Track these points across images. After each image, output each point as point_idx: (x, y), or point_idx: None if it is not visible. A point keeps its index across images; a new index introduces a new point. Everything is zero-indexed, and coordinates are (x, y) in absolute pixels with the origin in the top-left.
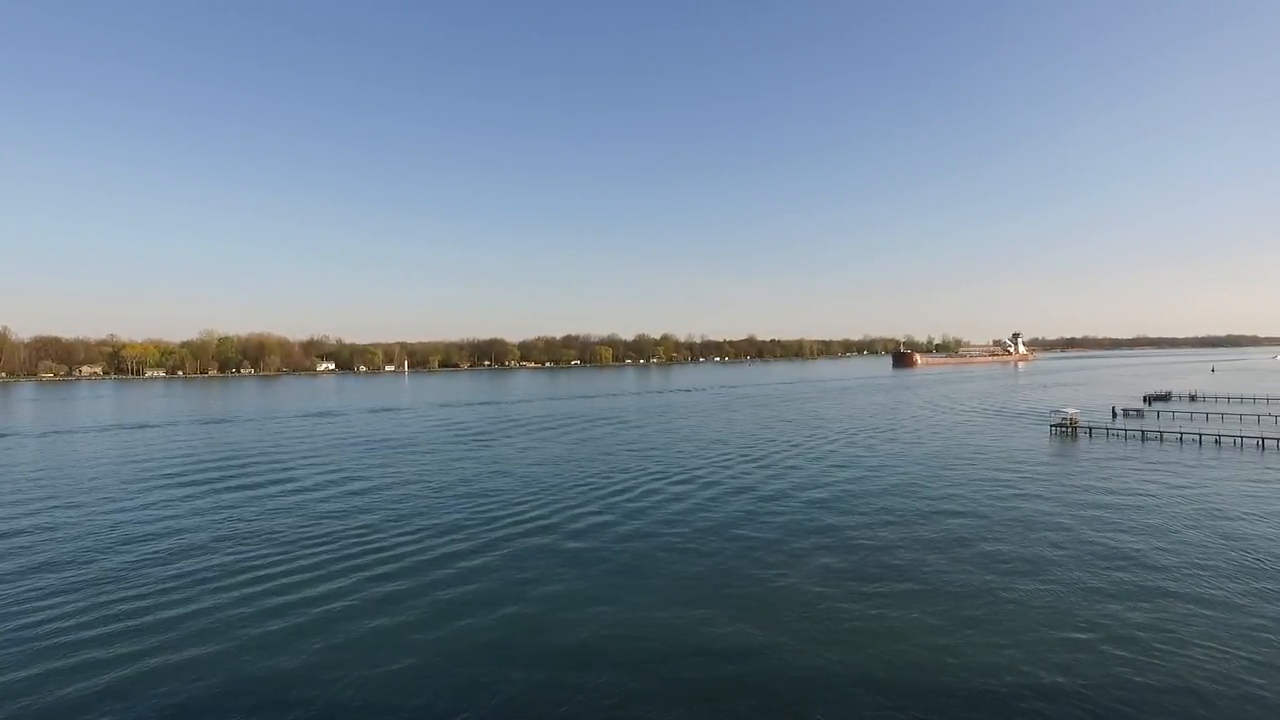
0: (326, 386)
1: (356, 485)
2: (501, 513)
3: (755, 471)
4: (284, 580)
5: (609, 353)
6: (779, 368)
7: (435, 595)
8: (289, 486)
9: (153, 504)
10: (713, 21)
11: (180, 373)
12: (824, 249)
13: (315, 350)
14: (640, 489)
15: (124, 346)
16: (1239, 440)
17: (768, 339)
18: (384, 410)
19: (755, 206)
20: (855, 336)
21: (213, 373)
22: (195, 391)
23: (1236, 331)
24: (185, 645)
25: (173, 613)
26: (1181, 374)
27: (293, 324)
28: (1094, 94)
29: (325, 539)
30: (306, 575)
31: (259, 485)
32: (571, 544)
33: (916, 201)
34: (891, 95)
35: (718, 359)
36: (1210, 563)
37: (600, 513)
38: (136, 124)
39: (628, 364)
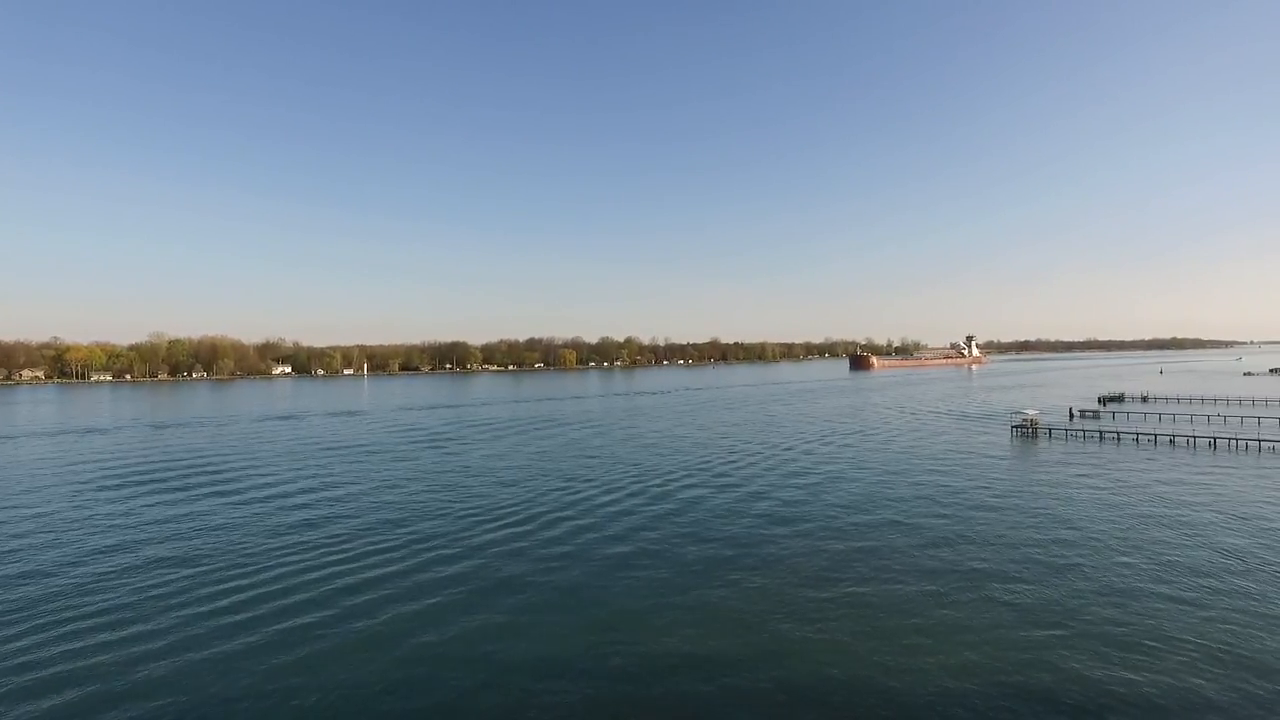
0: (283, 390)
1: (314, 491)
2: (465, 519)
3: (723, 476)
4: (240, 592)
5: (573, 356)
6: (742, 370)
7: (398, 606)
8: (245, 493)
9: (101, 513)
10: (681, 24)
11: (128, 376)
12: (787, 252)
13: (271, 353)
14: (608, 496)
15: (68, 349)
16: (1191, 440)
17: (731, 342)
18: (343, 414)
19: (719, 210)
20: (817, 339)
21: (163, 376)
22: (145, 395)
23: (1181, 335)
24: (138, 665)
25: (126, 631)
26: (1132, 376)
27: (247, 326)
28: (1044, 103)
29: (283, 548)
30: (264, 587)
31: (214, 492)
32: (537, 554)
33: (878, 206)
34: (851, 103)
35: (682, 362)
36: (1174, 559)
37: (569, 521)
38: (79, 121)
39: (591, 367)
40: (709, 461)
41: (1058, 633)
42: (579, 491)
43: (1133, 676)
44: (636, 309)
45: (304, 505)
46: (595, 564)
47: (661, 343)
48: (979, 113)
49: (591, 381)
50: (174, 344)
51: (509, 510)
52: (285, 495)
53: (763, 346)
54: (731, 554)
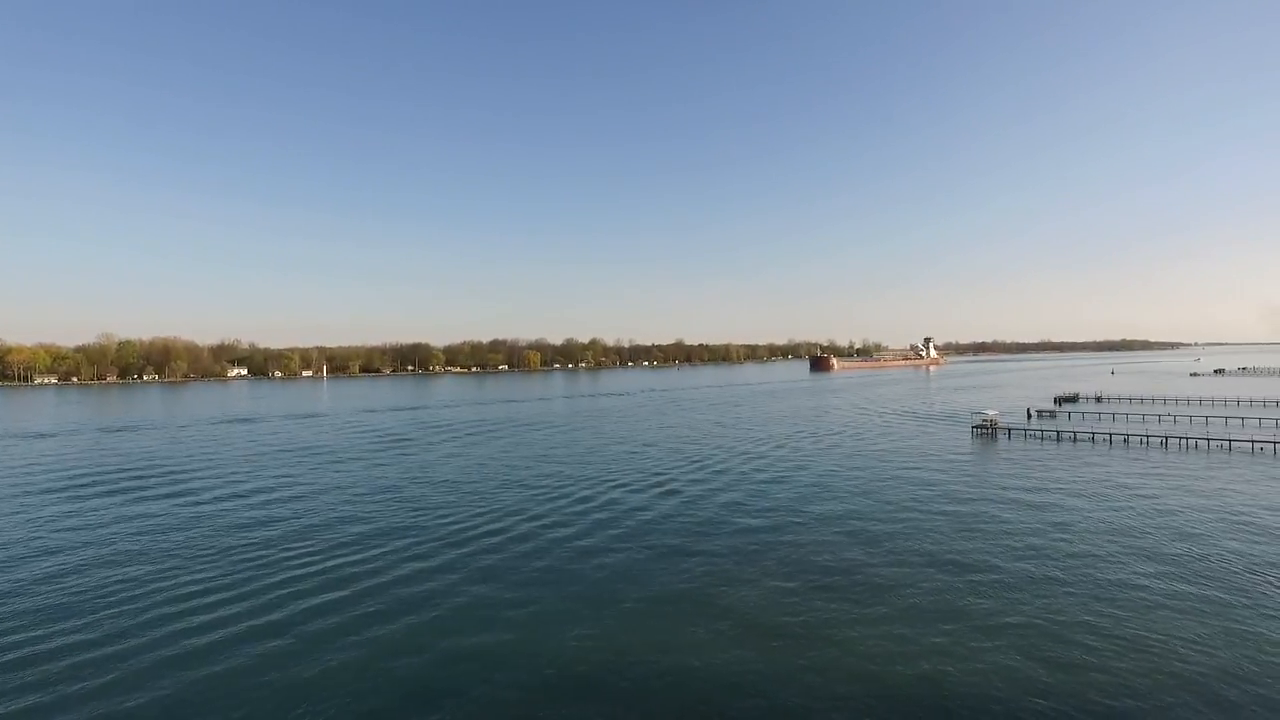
0: (239, 393)
1: (273, 496)
2: (433, 526)
3: (691, 478)
4: (198, 599)
5: (537, 357)
6: (707, 371)
7: (361, 610)
8: (202, 498)
9: (48, 515)
10: (645, 28)
11: (74, 379)
12: (753, 254)
13: (226, 355)
14: (573, 498)
15: (9, 351)
16: (1145, 439)
17: (696, 343)
18: (302, 417)
19: (685, 212)
20: (781, 340)
21: (111, 379)
22: (93, 398)
23: (1129, 336)
24: (85, 676)
25: (73, 646)
26: (1085, 377)
27: (201, 328)
28: (997, 109)
29: (240, 553)
30: (222, 593)
31: (168, 497)
32: (501, 556)
33: (843, 209)
34: (814, 110)
35: (646, 363)
36: (1130, 553)
37: (540, 527)
38: (25, 119)
39: (556, 368)
40: (677, 464)
41: (1022, 620)
42: (547, 496)
43: (1091, 660)
44: (601, 311)
45: (263, 512)
46: (567, 569)
47: (626, 344)
48: (936, 118)
49: (556, 383)
50: (124, 345)
51: (478, 515)
52: (243, 500)
53: (727, 348)
54: (700, 557)
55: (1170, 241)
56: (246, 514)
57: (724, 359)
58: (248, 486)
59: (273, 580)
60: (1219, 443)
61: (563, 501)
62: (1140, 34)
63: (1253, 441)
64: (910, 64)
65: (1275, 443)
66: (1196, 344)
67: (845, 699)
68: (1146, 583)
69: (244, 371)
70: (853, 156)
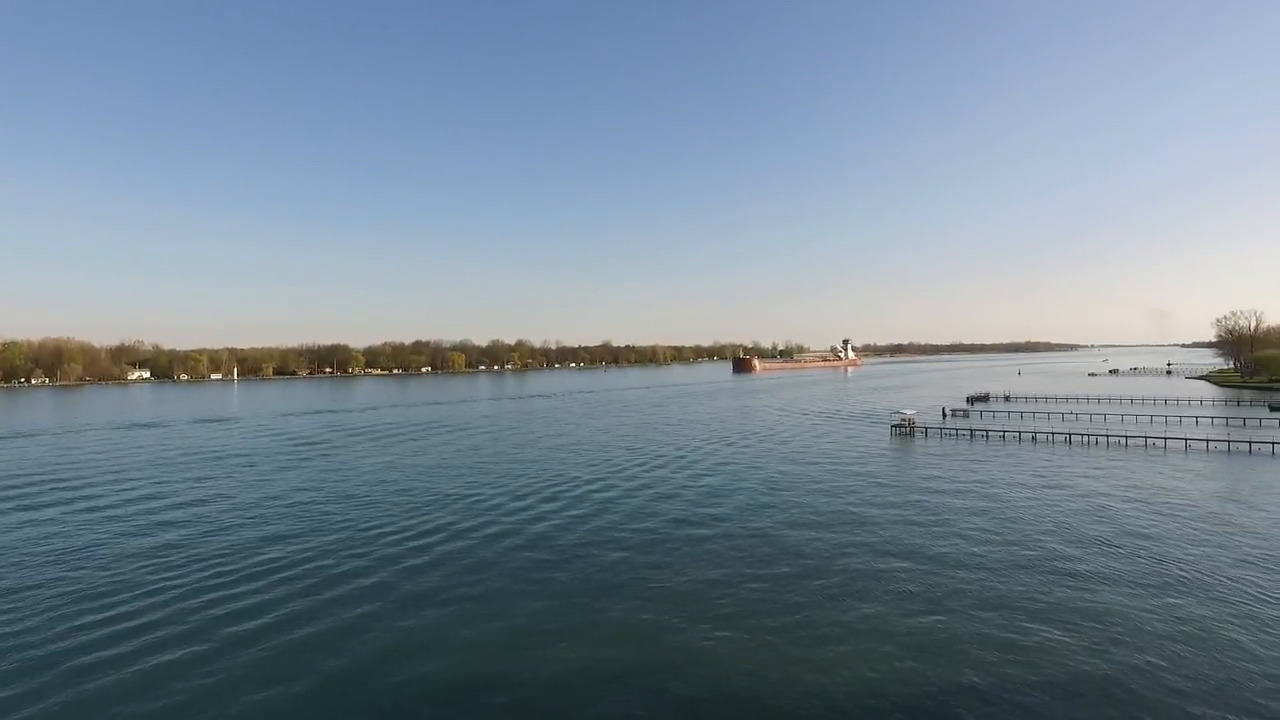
0: (140, 397)
1: (172, 505)
2: (351, 532)
3: (619, 479)
4: (96, 630)
5: (462, 359)
6: (634, 373)
7: (289, 637)
8: (93, 507)
9: None
10: (570, 24)
11: None
12: (680, 256)
13: (126, 357)
14: (499, 503)
15: None
16: (1050, 436)
17: (623, 345)
18: (209, 421)
19: (610, 213)
20: (706, 342)
21: None
22: None
23: (1033, 338)
24: None
25: None
26: (994, 377)
27: (99, 328)
28: (911, 118)
29: (145, 573)
30: (125, 622)
31: (53, 505)
32: (439, 572)
33: (765, 213)
34: (735, 113)
35: (574, 365)
36: (1040, 543)
37: (469, 531)
38: None
39: (481, 370)
40: (605, 467)
41: (941, 602)
42: (477, 498)
43: (1015, 636)
44: (528, 312)
45: (173, 523)
46: (497, 575)
47: (553, 346)
48: (853, 126)
49: (481, 385)
50: (8, 346)
51: (406, 527)
52: (149, 510)
53: (654, 350)
54: (631, 559)
55: (1068, 248)
56: (147, 520)
57: (651, 360)
58: (156, 498)
59: (187, 605)
60: (1116, 439)
61: (492, 510)
62: (1044, 43)
63: (1145, 437)
64: (826, 71)
65: (1166, 438)
66: (1094, 345)
67: (782, 682)
68: (1057, 564)
69: (146, 374)
70: (778, 163)
